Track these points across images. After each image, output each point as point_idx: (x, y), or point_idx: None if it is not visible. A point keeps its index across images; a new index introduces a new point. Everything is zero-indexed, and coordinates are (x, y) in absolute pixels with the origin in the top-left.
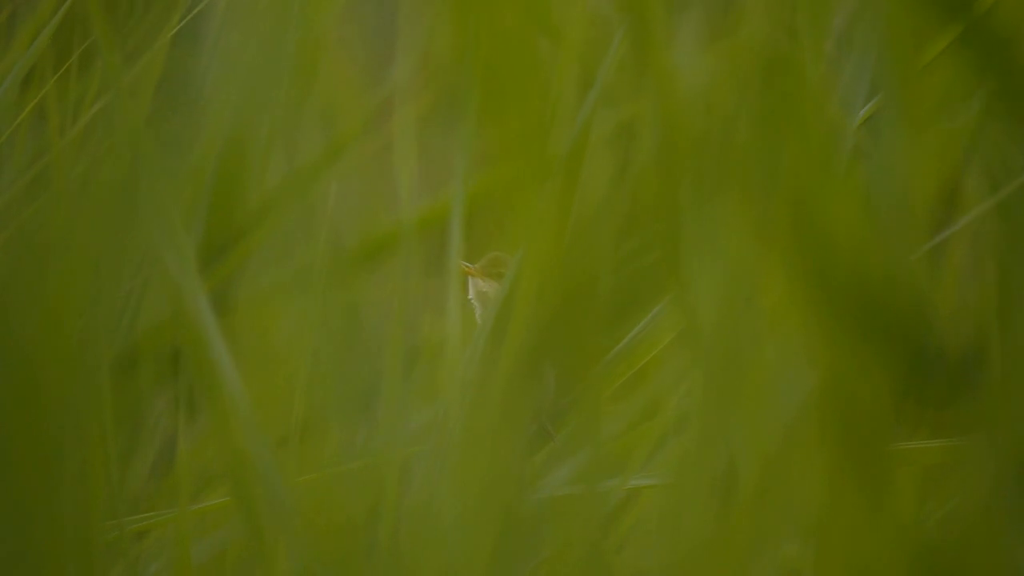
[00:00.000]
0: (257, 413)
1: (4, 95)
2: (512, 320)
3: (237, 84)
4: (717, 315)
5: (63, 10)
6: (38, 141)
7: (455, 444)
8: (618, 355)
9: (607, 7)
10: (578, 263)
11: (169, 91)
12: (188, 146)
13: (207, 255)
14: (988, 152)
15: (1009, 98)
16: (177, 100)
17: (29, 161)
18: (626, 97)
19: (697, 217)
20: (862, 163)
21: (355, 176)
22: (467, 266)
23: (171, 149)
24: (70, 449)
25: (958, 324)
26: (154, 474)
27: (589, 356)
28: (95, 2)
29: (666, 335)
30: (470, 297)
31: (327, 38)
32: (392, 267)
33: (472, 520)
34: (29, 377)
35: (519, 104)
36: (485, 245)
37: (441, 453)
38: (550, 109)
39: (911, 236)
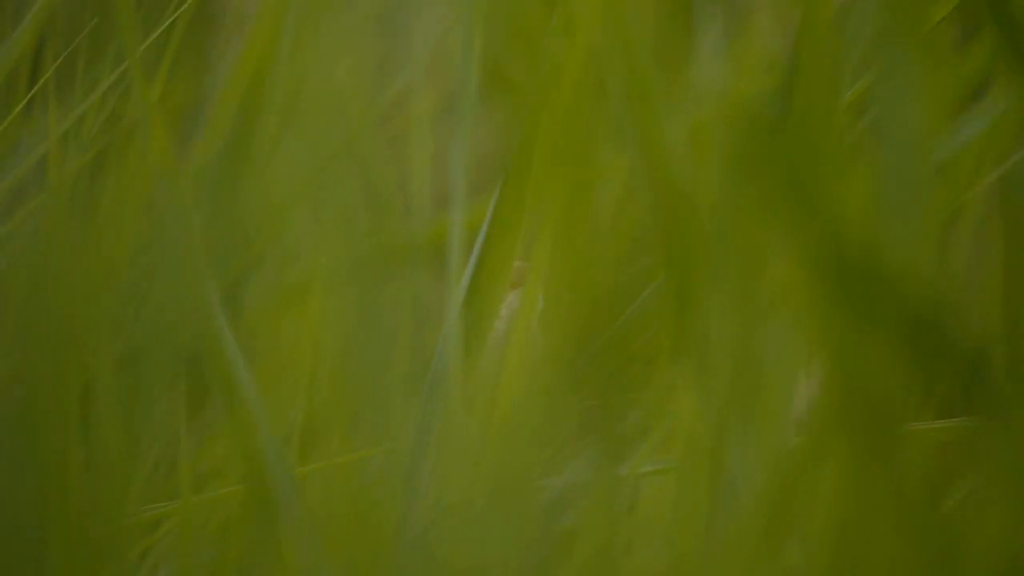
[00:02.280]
0: (269, 408)
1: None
2: (530, 325)
3: (245, 79)
4: (724, 317)
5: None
6: (40, 132)
7: (473, 438)
8: (624, 344)
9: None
10: (598, 272)
11: (178, 86)
12: (196, 141)
13: (216, 257)
14: (997, 130)
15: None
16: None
17: (30, 151)
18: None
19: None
20: (870, 140)
21: (367, 172)
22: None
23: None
24: (74, 445)
25: (967, 306)
26: (158, 471)
27: (608, 361)
28: None
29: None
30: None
31: (335, 32)
32: (407, 267)
33: (493, 511)
34: (32, 373)
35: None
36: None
37: (458, 448)
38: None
39: (923, 216)
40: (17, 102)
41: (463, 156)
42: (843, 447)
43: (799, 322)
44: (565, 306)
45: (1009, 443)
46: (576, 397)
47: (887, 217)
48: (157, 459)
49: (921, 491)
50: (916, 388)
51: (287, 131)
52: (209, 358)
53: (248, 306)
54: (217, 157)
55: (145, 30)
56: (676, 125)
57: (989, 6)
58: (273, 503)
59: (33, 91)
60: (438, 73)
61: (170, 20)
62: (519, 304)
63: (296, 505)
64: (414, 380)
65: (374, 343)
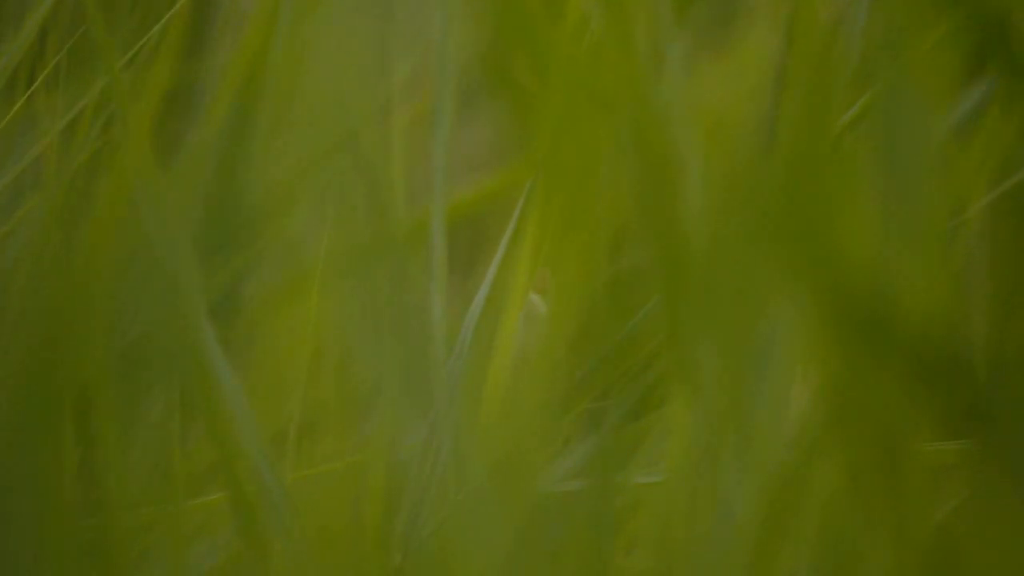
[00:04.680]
0: (257, 411)
1: None
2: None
3: (241, 73)
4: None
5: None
6: (29, 140)
7: (470, 439)
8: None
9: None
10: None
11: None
12: (191, 144)
13: (214, 252)
14: (992, 148)
15: (1010, 86)
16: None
17: (27, 151)
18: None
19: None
20: (868, 157)
21: (366, 164)
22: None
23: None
24: (70, 446)
25: (965, 324)
26: (154, 473)
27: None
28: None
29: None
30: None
31: (332, 25)
32: (406, 260)
33: (490, 514)
34: (28, 374)
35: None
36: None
37: (455, 448)
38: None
39: (923, 237)
40: (17, 101)
41: (443, 151)
42: (838, 461)
43: (794, 337)
44: (565, 312)
45: (1005, 463)
46: (575, 404)
47: (885, 236)
48: (153, 461)
49: (917, 508)
50: (913, 405)
51: (285, 124)
52: (192, 364)
53: (246, 301)
54: (214, 149)
55: (143, 26)
56: (672, 138)
57: (986, 26)
58: (259, 509)
59: (31, 90)
60: (436, 65)
61: (167, 16)
62: (523, 310)
63: (285, 509)
64: (413, 377)
65: (374, 338)
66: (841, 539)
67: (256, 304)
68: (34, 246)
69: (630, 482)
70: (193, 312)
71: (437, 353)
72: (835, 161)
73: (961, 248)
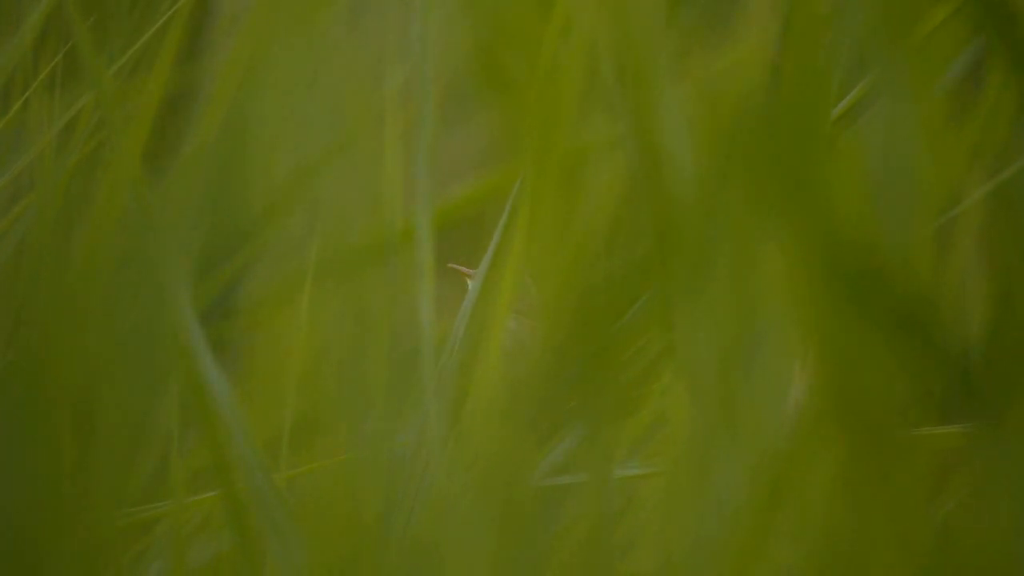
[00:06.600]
0: (253, 411)
1: None
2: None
3: (238, 76)
4: (714, 316)
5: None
6: (22, 145)
7: (458, 436)
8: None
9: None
10: (585, 267)
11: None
12: (188, 147)
13: (210, 256)
14: (993, 132)
15: (1012, 68)
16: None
17: (24, 151)
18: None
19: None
20: (864, 144)
21: (360, 173)
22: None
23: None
24: (70, 445)
25: (964, 310)
26: (156, 473)
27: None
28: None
29: (659, 324)
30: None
31: (330, 36)
32: (395, 267)
33: (477, 509)
34: (27, 373)
35: (528, 99)
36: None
37: (443, 445)
38: (557, 105)
39: (917, 220)
40: (13, 104)
41: (427, 156)
42: (834, 447)
43: (790, 321)
44: (559, 308)
45: (999, 445)
46: (569, 399)
47: (880, 214)
48: (153, 460)
49: (914, 492)
50: (909, 389)
51: (279, 130)
52: (185, 365)
53: (242, 304)
54: (210, 154)
55: (140, 29)
56: (671, 118)
57: (986, 8)
58: (252, 506)
59: (27, 93)
60: (418, 72)
61: (162, 20)
62: (515, 307)
63: (277, 506)
64: (404, 379)
65: (365, 340)
66: (838, 529)
67: (251, 306)
68: (29, 247)
69: (623, 475)
70: (184, 314)
71: (428, 352)
72: (831, 136)
73: (958, 227)
